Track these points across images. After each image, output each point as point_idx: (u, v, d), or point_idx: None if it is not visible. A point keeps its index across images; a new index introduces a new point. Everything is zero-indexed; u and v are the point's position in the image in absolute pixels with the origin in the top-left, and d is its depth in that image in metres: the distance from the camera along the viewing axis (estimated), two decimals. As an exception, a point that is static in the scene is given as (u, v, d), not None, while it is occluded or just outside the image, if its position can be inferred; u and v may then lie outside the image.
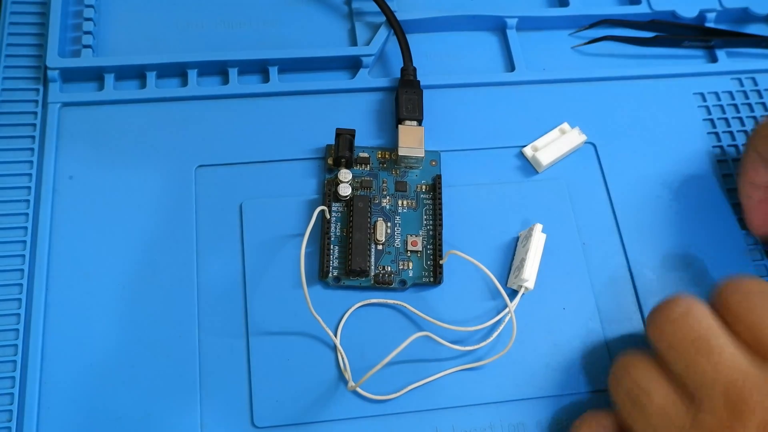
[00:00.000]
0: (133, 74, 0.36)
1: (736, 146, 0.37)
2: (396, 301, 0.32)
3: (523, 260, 0.32)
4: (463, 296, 0.32)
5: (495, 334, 0.31)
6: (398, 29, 0.37)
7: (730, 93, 0.39)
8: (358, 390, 0.30)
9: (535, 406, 0.31)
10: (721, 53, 0.40)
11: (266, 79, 0.37)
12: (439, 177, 0.34)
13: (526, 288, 0.32)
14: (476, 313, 0.32)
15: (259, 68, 0.37)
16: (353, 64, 0.38)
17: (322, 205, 0.32)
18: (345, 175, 0.34)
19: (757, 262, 0.35)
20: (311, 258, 0.33)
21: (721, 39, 0.40)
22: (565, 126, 0.36)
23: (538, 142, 0.36)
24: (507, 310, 0.31)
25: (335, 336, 0.31)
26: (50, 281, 0.31)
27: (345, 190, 0.33)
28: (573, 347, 0.32)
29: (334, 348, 0.31)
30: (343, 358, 0.30)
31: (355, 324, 0.32)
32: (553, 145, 0.35)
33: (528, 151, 0.36)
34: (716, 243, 0.35)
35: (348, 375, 0.30)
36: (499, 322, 0.32)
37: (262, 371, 0.30)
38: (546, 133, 0.36)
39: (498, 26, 0.40)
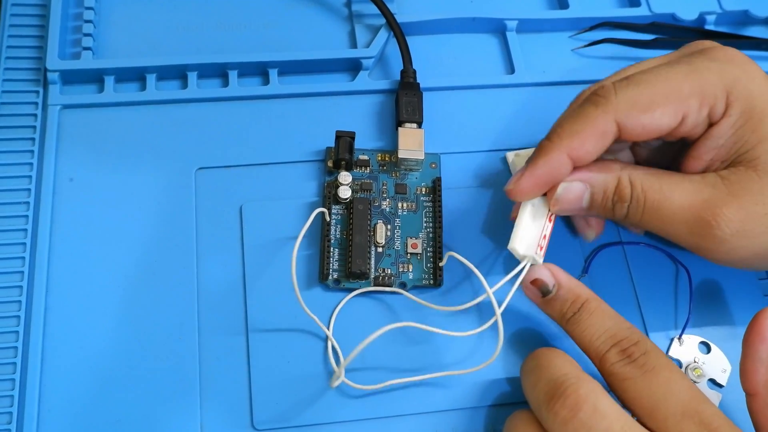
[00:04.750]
0: (133, 76, 0.36)
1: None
2: (394, 289, 0.32)
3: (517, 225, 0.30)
4: (463, 298, 0.32)
5: (486, 326, 0.30)
6: (398, 31, 0.37)
7: (730, 95, 0.39)
8: (345, 381, 0.29)
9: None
10: (720, 56, 0.40)
11: (266, 81, 0.37)
12: (439, 179, 0.34)
13: (524, 257, 0.29)
14: (475, 315, 0.32)
15: (259, 70, 0.37)
16: (353, 67, 0.38)
17: (322, 207, 0.32)
18: (345, 177, 0.34)
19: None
20: (312, 260, 0.33)
21: (721, 41, 0.40)
22: None
23: (523, 152, 0.35)
24: (494, 318, 0.29)
25: (328, 329, 0.31)
26: (50, 283, 0.31)
27: (345, 193, 0.33)
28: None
29: (334, 350, 0.31)
30: (336, 350, 0.30)
31: (355, 323, 0.32)
32: None
33: (510, 155, 0.36)
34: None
35: (340, 370, 0.30)
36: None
37: (263, 373, 0.30)
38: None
39: (498, 28, 0.40)
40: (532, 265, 0.30)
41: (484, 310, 0.32)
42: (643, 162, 0.33)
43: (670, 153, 0.32)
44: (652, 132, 0.29)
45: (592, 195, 0.30)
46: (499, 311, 0.29)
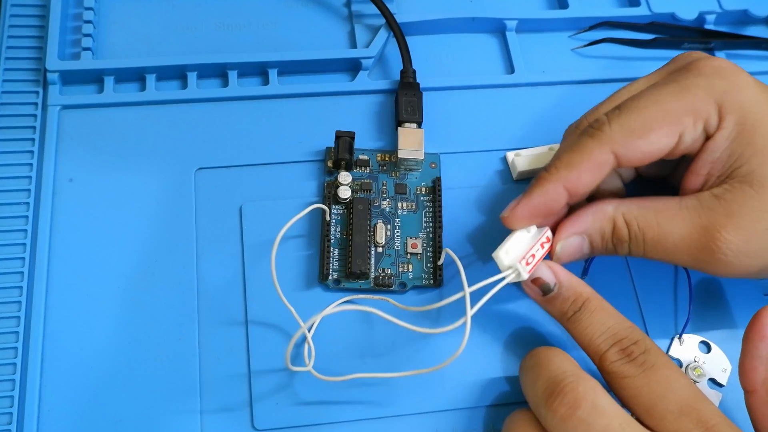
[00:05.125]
0: (133, 77, 0.36)
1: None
2: (381, 297, 0.32)
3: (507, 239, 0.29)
4: (463, 298, 0.32)
5: (455, 326, 0.29)
6: (398, 31, 0.37)
7: (730, 95, 0.39)
8: (312, 372, 0.29)
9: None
10: (720, 55, 0.40)
11: (266, 81, 0.37)
12: (438, 179, 0.34)
13: (509, 268, 0.29)
14: (476, 314, 0.32)
15: (259, 70, 0.37)
16: (353, 67, 0.38)
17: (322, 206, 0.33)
18: (345, 177, 0.34)
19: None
20: (312, 260, 0.33)
21: (721, 41, 0.40)
22: (556, 146, 0.35)
23: (524, 151, 0.35)
24: (463, 319, 0.28)
25: (310, 329, 0.30)
26: (50, 284, 0.31)
27: (345, 193, 0.33)
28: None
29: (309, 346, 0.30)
30: (310, 347, 0.30)
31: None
32: (536, 157, 0.35)
33: (510, 155, 0.36)
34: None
35: (310, 363, 0.29)
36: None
37: (263, 373, 0.30)
38: (538, 144, 0.36)
39: (498, 28, 0.40)
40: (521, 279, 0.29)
41: (483, 310, 0.32)
42: (644, 174, 0.33)
43: (669, 165, 0.32)
44: (651, 155, 0.29)
45: (590, 242, 0.30)
46: (470, 312, 0.28)
